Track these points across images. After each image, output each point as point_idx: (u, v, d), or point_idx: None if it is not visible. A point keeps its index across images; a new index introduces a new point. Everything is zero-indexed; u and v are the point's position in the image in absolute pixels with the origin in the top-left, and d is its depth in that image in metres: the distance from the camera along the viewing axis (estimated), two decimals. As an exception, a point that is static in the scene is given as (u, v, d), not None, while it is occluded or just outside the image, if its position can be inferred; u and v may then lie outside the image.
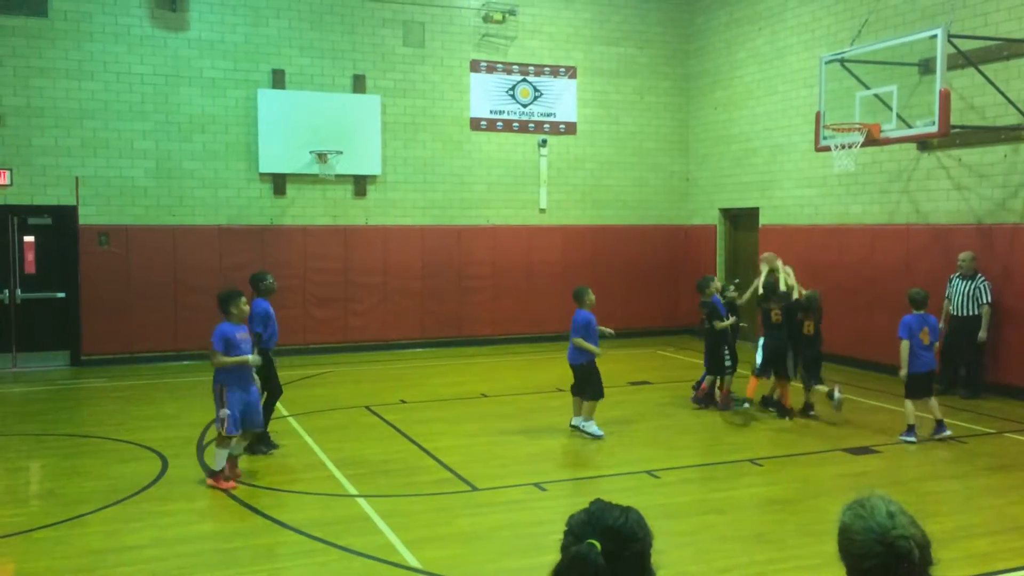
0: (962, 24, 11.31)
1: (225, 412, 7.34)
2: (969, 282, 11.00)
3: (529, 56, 16.30)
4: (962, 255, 11.14)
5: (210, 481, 7.44)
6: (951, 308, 11.16)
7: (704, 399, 10.59)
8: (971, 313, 10.93)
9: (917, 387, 9.01)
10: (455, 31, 15.81)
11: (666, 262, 17.21)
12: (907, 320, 9.02)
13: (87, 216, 13.71)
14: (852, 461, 8.27)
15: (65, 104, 13.53)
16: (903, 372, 8.99)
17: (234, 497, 7.18)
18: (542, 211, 16.54)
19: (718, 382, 10.53)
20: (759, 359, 10.34)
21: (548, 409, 10.32)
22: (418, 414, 10.40)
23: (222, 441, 7.41)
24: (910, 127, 10.98)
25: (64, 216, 13.66)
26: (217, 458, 7.45)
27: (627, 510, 2.13)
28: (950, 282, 11.25)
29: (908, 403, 9.02)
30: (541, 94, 16.41)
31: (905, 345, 8.91)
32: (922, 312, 9.04)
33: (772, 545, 6.14)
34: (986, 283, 10.91)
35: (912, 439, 8.86)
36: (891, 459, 8.36)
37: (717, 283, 11.01)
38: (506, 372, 13.35)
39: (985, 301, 10.87)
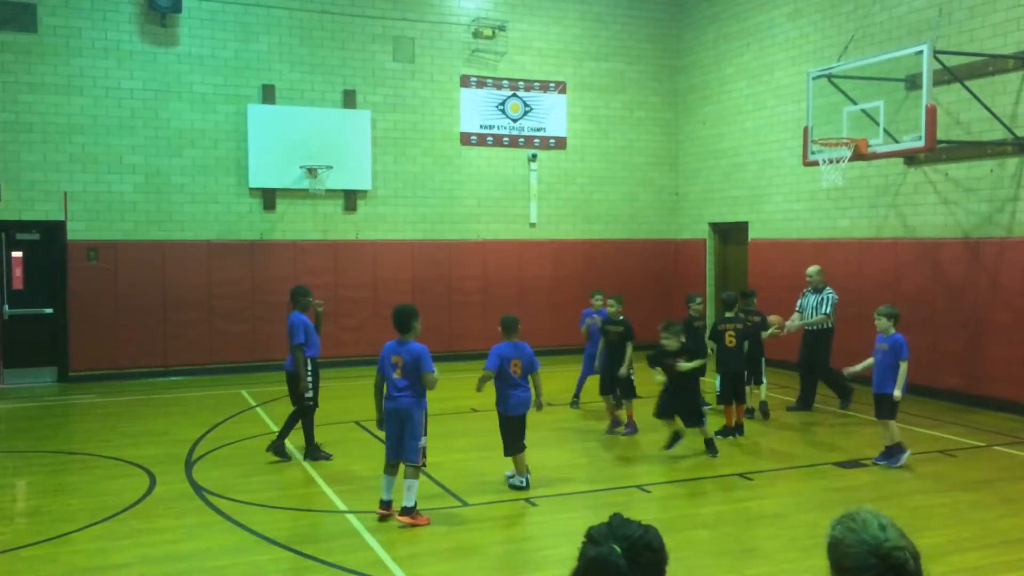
0: (948, 40, 11.42)
1: (424, 440, 6.94)
2: (817, 296, 11.16)
3: (519, 71, 16.37)
4: (810, 269, 11.39)
5: (406, 519, 6.76)
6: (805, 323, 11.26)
7: (614, 423, 10.20)
8: (821, 326, 11.08)
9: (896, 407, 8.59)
10: (445, 46, 15.86)
11: (656, 276, 17.24)
12: (904, 340, 8.52)
13: (75, 231, 13.65)
14: (842, 475, 8.28)
15: (54, 119, 13.51)
16: (899, 393, 8.36)
17: (223, 514, 7.14)
18: (532, 226, 16.57)
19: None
20: (718, 386, 10.25)
21: (538, 424, 10.26)
22: (408, 429, 10.35)
23: (416, 472, 6.88)
24: (897, 142, 11.06)
25: (52, 231, 13.61)
26: (412, 492, 6.83)
27: (647, 526, 2.16)
28: (804, 295, 11.40)
29: (893, 424, 8.53)
30: (531, 109, 16.48)
31: (906, 365, 8.39)
32: None
33: (762, 560, 6.13)
34: (831, 295, 11.10)
35: (905, 455, 8.51)
36: (880, 473, 8.36)
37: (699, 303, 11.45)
38: (496, 387, 13.31)
39: (824, 311, 11.02)
